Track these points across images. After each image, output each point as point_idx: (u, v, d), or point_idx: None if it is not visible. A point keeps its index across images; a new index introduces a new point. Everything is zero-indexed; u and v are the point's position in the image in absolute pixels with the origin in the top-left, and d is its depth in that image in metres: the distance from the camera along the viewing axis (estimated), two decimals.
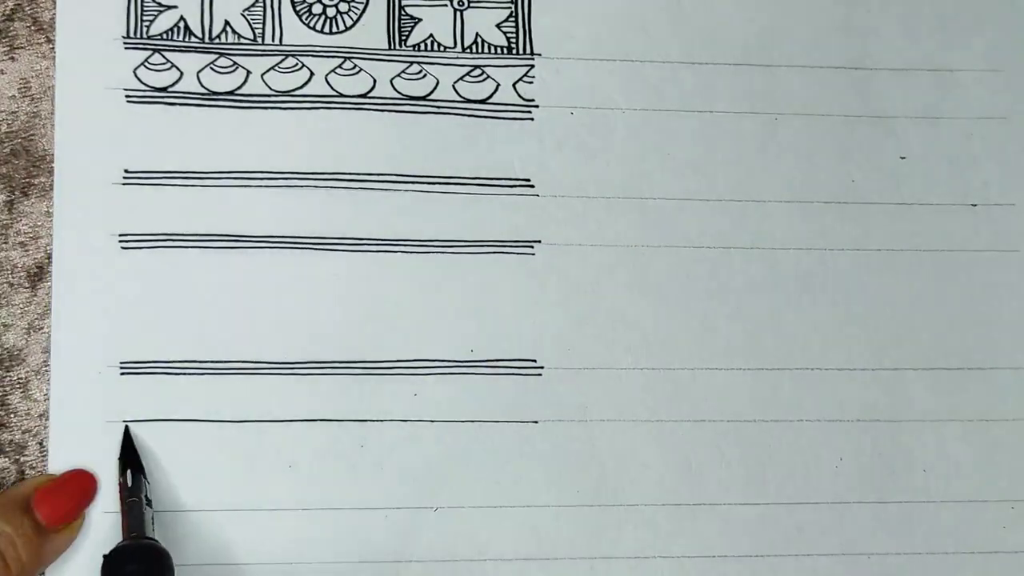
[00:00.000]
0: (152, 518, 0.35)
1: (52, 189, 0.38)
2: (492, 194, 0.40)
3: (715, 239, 0.40)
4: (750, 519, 0.39)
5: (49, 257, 0.37)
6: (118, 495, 0.36)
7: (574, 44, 0.41)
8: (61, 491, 0.35)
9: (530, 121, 0.40)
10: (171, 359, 0.37)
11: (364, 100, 0.40)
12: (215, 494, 0.37)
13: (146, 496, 0.35)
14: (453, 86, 0.40)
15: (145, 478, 0.36)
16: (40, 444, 0.37)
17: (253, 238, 0.38)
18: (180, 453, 0.37)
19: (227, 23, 0.39)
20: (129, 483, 0.35)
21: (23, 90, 0.38)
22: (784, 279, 0.41)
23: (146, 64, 0.39)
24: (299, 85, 0.39)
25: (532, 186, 0.40)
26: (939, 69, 0.43)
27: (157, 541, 0.33)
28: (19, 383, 0.37)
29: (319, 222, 0.39)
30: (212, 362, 0.37)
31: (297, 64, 0.39)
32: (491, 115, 0.40)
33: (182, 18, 0.39)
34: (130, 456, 0.36)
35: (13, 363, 0.37)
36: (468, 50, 0.40)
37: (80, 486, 0.36)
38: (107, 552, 0.32)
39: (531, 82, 0.40)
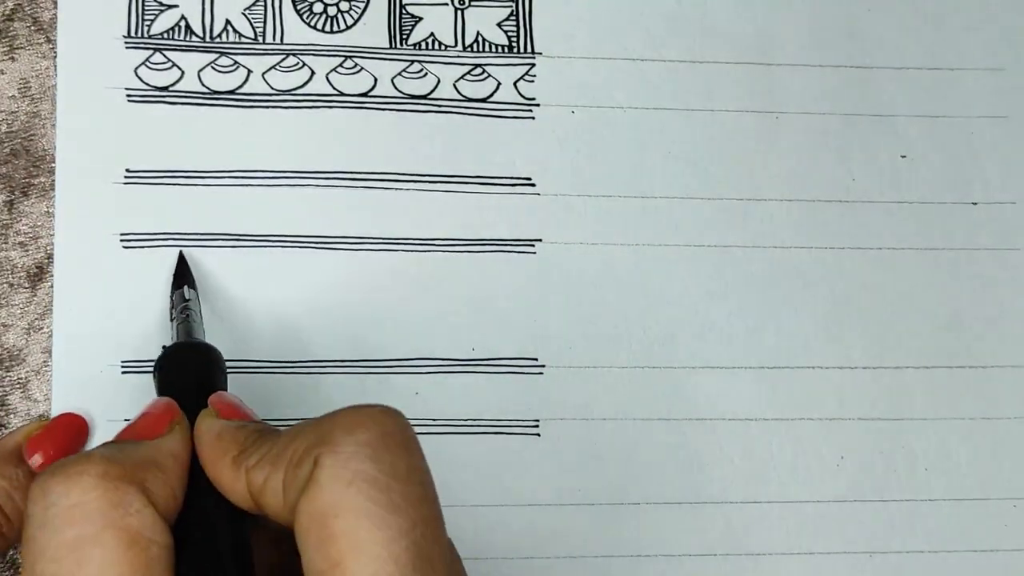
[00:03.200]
0: (203, 330, 0.35)
1: (52, 189, 0.38)
2: (493, 193, 0.40)
3: (716, 238, 0.40)
4: (752, 517, 0.39)
5: (49, 257, 0.37)
6: (170, 311, 0.36)
7: (575, 43, 0.41)
8: (51, 436, 0.34)
9: (531, 120, 0.40)
10: None
11: (365, 99, 0.40)
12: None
13: (199, 312, 0.35)
14: (454, 85, 0.40)
15: (197, 293, 0.36)
16: None
17: (254, 237, 0.38)
18: None
19: (228, 22, 0.39)
20: (186, 295, 0.35)
21: (23, 90, 0.38)
22: (785, 277, 0.41)
23: (147, 63, 0.39)
24: (300, 84, 0.39)
25: (533, 185, 0.40)
26: (940, 68, 0.43)
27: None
28: (19, 383, 0.37)
29: (320, 221, 0.39)
30: None
31: (298, 63, 0.39)
32: (492, 114, 0.40)
33: (183, 17, 0.39)
34: (184, 273, 0.36)
35: (13, 363, 0.37)
36: (469, 49, 0.40)
37: (70, 429, 0.35)
38: (160, 354, 0.32)
39: (532, 81, 0.41)
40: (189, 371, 0.32)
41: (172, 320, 0.35)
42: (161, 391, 0.32)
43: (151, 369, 0.37)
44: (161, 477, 0.26)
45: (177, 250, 0.37)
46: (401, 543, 0.23)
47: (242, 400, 0.30)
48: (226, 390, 0.32)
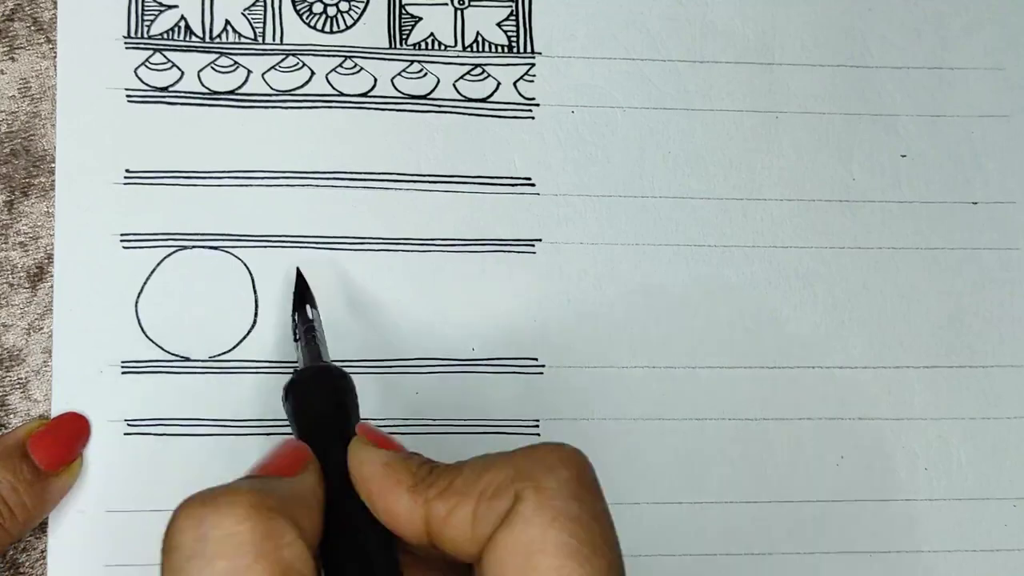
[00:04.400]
0: (327, 350, 0.35)
1: (52, 189, 0.38)
2: (493, 192, 0.40)
3: (716, 237, 0.40)
4: (752, 517, 0.39)
5: (49, 257, 0.37)
6: (293, 331, 0.36)
7: (575, 43, 0.41)
8: (54, 434, 0.34)
9: (531, 120, 0.40)
10: (172, 359, 0.37)
11: (365, 99, 0.40)
12: None
13: (323, 333, 0.35)
14: (454, 85, 0.40)
15: (318, 312, 0.36)
16: None
17: (254, 237, 0.38)
18: (181, 453, 0.37)
19: (228, 23, 0.39)
20: (309, 315, 0.35)
21: (23, 90, 0.38)
22: (785, 277, 0.41)
23: (147, 64, 0.39)
24: (300, 84, 0.39)
25: (533, 184, 0.40)
26: (940, 67, 0.43)
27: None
28: (19, 383, 0.37)
29: (320, 221, 0.39)
30: (212, 361, 0.37)
31: (298, 63, 0.39)
32: (492, 114, 0.40)
33: (183, 18, 0.39)
34: (304, 292, 0.36)
35: (13, 363, 0.37)
36: (469, 49, 0.40)
37: (73, 427, 0.35)
38: (291, 379, 0.32)
39: (532, 81, 0.41)
40: (325, 397, 0.31)
41: (296, 341, 0.35)
42: (295, 418, 0.31)
43: (151, 370, 0.37)
44: (306, 512, 0.26)
45: (295, 267, 0.37)
46: None
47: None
48: (359, 416, 0.32)
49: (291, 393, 0.32)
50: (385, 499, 0.26)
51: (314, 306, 0.36)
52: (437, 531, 0.26)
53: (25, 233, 0.38)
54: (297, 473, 0.27)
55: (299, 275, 0.37)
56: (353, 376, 0.38)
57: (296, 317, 0.36)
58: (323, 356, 0.34)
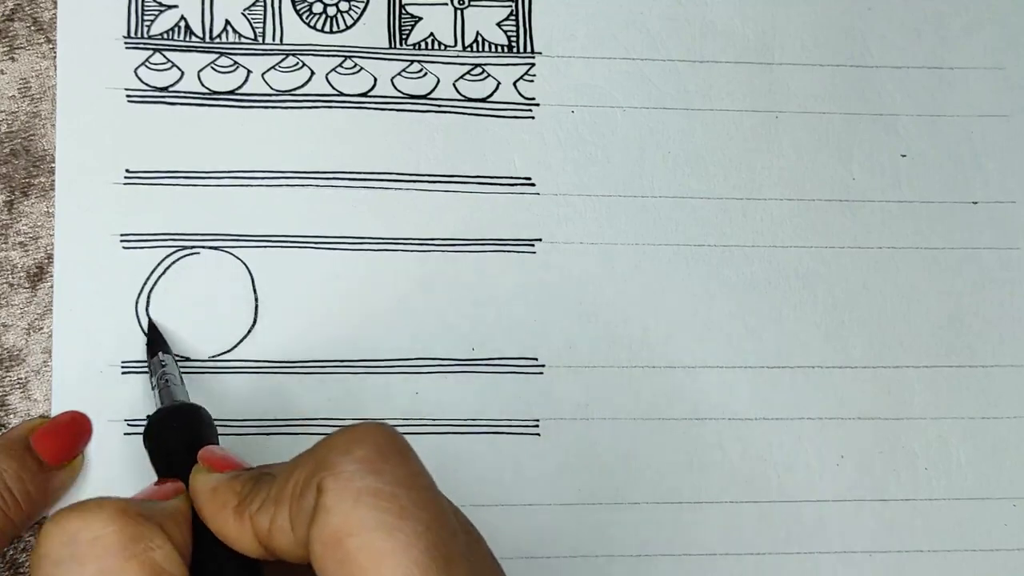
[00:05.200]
0: (186, 392, 0.35)
1: (52, 189, 0.38)
2: (493, 192, 0.40)
3: (715, 237, 0.40)
4: (751, 517, 0.39)
5: (49, 257, 0.37)
6: (149, 378, 0.36)
7: (575, 42, 0.41)
8: (57, 431, 0.35)
9: (531, 119, 0.40)
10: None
11: (365, 99, 0.40)
12: None
13: (178, 375, 0.35)
14: (454, 85, 0.40)
15: (174, 358, 0.36)
16: None
17: (254, 237, 0.38)
18: None
19: (228, 23, 0.39)
20: (162, 361, 0.36)
21: (23, 90, 0.38)
22: (784, 277, 0.41)
23: (147, 64, 0.39)
24: (300, 84, 0.39)
25: (533, 184, 0.40)
26: (940, 67, 0.43)
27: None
28: (19, 383, 0.37)
29: (320, 221, 0.39)
30: (212, 361, 0.37)
31: (298, 63, 0.39)
32: (492, 113, 0.40)
33: (183, 18, 0.39)
34: (157, 339, 0.37)
35: (13, 363, 0.37)
36: (469, 49, 0.40)
37: (75, 425, 0.36)
38: (147, 418, 0.33)
39: (532, 80, 0.41)
40: (178, 434, 0.32)
41: (153, 388, 0.35)
42: (153, 457, 0.32)
43: (151, 370, 0.37)
44: (175, 526, 0.26)
45: (147, 319, 0.37)
46: (419, 547, 0.23)
47: (232, 451, 0.30)
48: (216, 444, 0.32)
49: (147, 436, 0.32)
50: (215, 523, 0.27)
51: (167, 351, 0.36)
52: (267, 544, 0.26)
53: (25, 233, 0.38)
54: (168, 499, 0.27)
55: (151, 324, 0.37)
56: (352, 376, 0.38)
57: (150, 365, 0.36)
58: (177, 397, 0.34)
